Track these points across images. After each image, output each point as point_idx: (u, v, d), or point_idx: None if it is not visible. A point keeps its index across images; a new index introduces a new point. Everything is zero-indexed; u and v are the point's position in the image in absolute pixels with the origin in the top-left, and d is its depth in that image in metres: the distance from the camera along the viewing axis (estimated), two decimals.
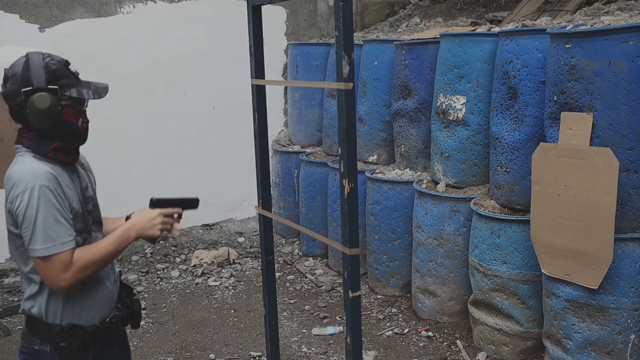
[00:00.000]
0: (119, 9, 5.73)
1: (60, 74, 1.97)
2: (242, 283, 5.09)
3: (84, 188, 2.11)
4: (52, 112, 1.92)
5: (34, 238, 1.89)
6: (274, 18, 6.42)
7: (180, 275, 5.25)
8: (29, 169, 1.92)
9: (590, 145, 2.95)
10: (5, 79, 1.97)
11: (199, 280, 5.14)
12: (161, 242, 1.84)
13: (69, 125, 1.99)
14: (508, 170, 3.62)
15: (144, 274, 5.27)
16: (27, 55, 1.97)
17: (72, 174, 2.05)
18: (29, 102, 1.91)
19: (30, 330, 2.05)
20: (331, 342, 4.10)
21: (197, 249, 5.74)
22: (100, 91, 2.03)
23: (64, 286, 1.93)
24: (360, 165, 4.96)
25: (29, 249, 1.92)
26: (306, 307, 4.63)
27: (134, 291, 2.40)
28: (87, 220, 2.07)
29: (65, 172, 2.01)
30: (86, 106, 2.05)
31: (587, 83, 2.94)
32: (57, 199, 1.91)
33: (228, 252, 5.58)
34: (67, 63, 2.02)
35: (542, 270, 3.24)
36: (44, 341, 2.02)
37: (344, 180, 1.57)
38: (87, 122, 2.06)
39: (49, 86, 1.93)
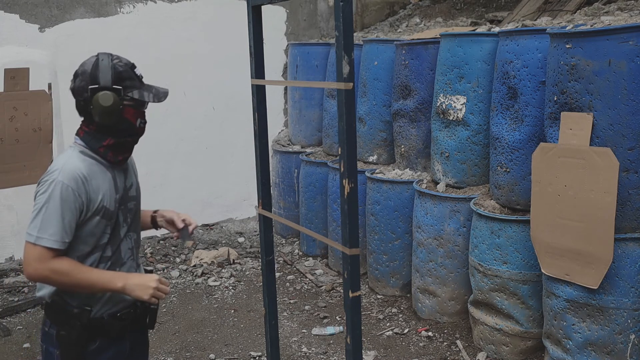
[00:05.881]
0: (119, 9, 5.73)
1: (125, 75, 2.08)
2: (242, 283, 5.09)
3: (128, 187, 2.22)
4: (113, 110, 2.04)
5: (33, 222, 2.00)
6: (274, 18, 6.42)
7: (180, 275, 5.26)
8: (63, 164, 2.04)
9: (590, 145, 2.95)
10: (75, 76, 2.09)
11: (199, 280, 5.14)
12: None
13: (128, 124, 2.10)
14: (508, 170, 3.62)
15: None
16: (97, 55, 2.09)
17: (117, 172, 2.16)
18: (94, 98, 2.02)
19: (45, 312, 2.15)
20: (331, 342, 4.10)
21: (197, 249, 5.74)
22: (160, 95, 2.13)
23: (32, 274, 2.02)
24: (360, 165, 4.96)
25: (26, 232, 2.02)
26: (306, 307, 4.63)
27: None
28: (120, 217, 2.17)
29: (108, 171, 2.12)
30: (146, 107, 2.15)
31: (587, 83, 2.94)
32: (72, 199, 2.00)
33: (228, 252, 5.58)
34: (133, 66, 2.12)
35: (542, 270, 3.24)
36: (52, 324, 2.12)
37: (344, 180, 1.57)
38: (145, 122, 2.17)
39: (114, 86, 2.04)
